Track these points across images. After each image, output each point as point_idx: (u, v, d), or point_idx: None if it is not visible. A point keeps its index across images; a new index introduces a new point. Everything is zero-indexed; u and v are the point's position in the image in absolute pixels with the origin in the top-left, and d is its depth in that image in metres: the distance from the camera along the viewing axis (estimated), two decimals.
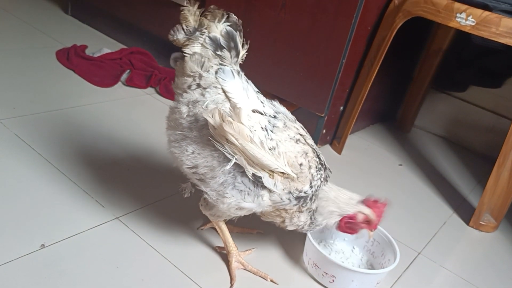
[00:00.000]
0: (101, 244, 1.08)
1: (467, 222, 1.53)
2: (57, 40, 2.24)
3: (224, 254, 1.13)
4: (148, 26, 2.24)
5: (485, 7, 1.39)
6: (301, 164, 0.96)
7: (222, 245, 1.15)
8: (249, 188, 0.94)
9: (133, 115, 1.74)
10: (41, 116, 1.56)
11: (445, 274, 1.27)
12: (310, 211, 1.04)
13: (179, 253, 1.11)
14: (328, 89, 1.70)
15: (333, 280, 1.08)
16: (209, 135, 0.92)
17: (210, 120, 0.90)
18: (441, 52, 2.03)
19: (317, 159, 1.01)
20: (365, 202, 1.05)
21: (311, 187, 0.99)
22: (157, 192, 1.31)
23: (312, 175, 0.98)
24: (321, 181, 1.02)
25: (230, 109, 0.92)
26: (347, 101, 1.82)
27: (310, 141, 1.02)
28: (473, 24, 1.40)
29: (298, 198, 0.98)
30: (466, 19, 1.41)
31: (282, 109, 1.04)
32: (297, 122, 1.04)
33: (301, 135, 0.99)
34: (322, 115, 1.76)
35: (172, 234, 1.17)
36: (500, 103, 2.05)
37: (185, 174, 1.03)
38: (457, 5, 1.43)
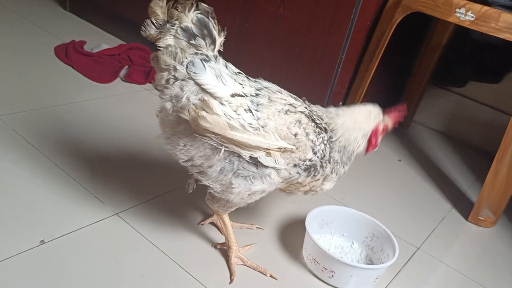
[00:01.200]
0: (100, 240, 1.08)
1: (466, 217, 1.54)
2: (55, 35, 2.23)
3: (223, 250, 1.13)
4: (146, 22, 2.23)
5: (484, 2, 1.39)
6: (296, 134, 0.94)
7: (221, 241, 1.15)
8: (252, 172, 0.93)
9: (132, 111, 1.73)
10: (39, 112, 1.55)
11: (444, 269, 1.27)
12: (330, 173, 1.03)
13: (178, 249, 1.11)
14: (327, 85, 1.70)
15: (332, 275, 1.08)
16: (194, 132, 0.92)
17: (187, 118, 0.89)
18: (440, 47, 2.02)
19: (313, 124, 0.98)
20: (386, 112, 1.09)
21: (314, 153, 0.97)
22: (156, 188, 1.31)
23: (312, 141, 0.96)
24: (325, 144, 0.99)
25: (199, 102, 0.91)
26: (346, 97, 1.82)
27: (302, 107, 1.00)
28: (472, 19, 1.40)
29: (307, 169, 0.97)
30: (466, 14, 1.41)
31: (266, 83, 1.02)
32: (283, 91, 1.02)
33: (289, 104, 0.98)
34: None
35: (171, 230, 1.17)
36: (499, 98, 2.05)
37: (186, 168, 1.03)
38: (456, 0, 1.42)
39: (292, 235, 1.24)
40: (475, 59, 2.07)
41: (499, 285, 1.26)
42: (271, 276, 1.09)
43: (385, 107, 1.12)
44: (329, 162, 1.01)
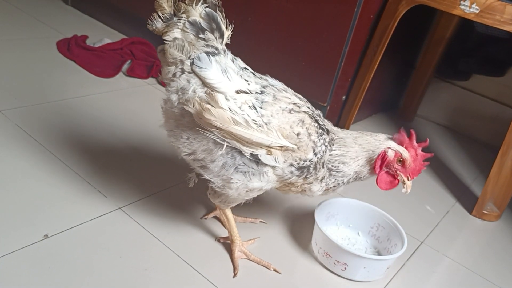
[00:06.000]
0: (104, 234, 1.08)
1: (470, 211, 1.53)
2: (57, 30, 2.23)
3: (227, 244, 1.13)
4: (149, 16, 2.22)
5: None
6: (298, 134, 0.94)
7: (224, 234, 1.15)
8: (252, 168, 0.94)
9: (135, 105, 1.73)
10: (42, 106, 1.55)
11: (448, 263, 1.27)
12: (320, 180, 1.00)
13: (182, 243, 1.11)
14: (331, 78, 1.69)
15: (345, 268, 1.09)
16: (197, 125, 0.92)
17: (191, 110, 0.89)
18: (444, 40, 2.01)
19: (316, 124, 0.98)
20: (396, 138, 0.99)
21: (315, 154, 0.96)
22: (159, 182, 1.31)
23: (314, 142, 0.96)
24: (326, 146, 0.98)
25: (205, 96, 0.91)
26: (349, 90, 1.81)
27: (306, 108, 0.99)
28: (477, 11, 1.39)
29: (300, 169, 0.96)
30: (470, 7, 1.40)
31: (272, 81, 1.01)
32: (289, 90, 1.01)
33: (294, 103, 0.97)
34: (325, 104, 1.75)
35: (175, 224, 1.17)
36: (504, 91, 2.04)
37: (187, 163, 1.03)
38: None
39: (296, 229, 1.24)
40: (479, 52, 2.06)
41: (503, 279, 1.25)
42: (274, 270, 1.09)
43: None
44: (323, 167, 1.00)
